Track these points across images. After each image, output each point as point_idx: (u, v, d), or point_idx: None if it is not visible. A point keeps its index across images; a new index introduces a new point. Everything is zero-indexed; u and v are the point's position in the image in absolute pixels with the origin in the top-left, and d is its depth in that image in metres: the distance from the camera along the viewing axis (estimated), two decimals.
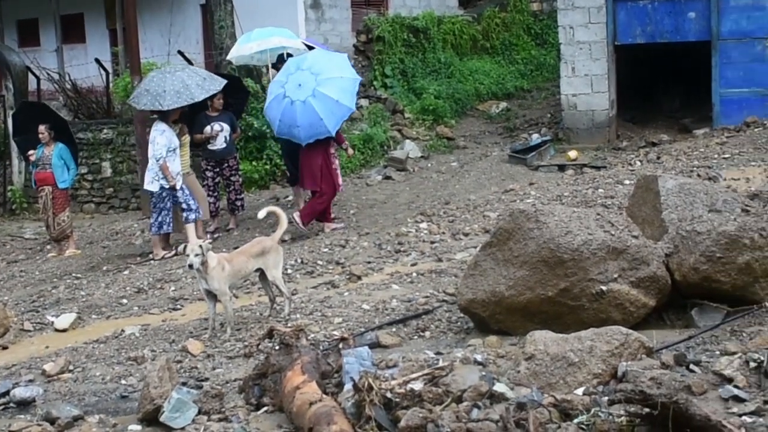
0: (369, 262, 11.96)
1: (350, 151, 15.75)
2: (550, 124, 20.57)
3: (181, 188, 14.09)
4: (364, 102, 20.86)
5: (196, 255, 9.28)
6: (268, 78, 15.82)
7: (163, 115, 14.15)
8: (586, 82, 19.04)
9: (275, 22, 17.63)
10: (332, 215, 14.67)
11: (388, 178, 17.91)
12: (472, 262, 8.55)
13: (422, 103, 21.46)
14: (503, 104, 23.07)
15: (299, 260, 12.48)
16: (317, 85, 13.84)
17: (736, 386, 5.45)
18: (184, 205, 14.10)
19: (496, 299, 8.13)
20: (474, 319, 8.50)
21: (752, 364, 5.57)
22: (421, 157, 19.47)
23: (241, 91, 15.71)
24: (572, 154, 18.03)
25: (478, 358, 6.88)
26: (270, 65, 15.57)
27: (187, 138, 14.71)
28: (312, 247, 13.19)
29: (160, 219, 14.16)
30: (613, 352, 6.11)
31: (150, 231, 14.62)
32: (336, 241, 13.39)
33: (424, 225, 13.70)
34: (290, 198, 16.23)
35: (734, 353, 5.82)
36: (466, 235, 12.74)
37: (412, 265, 11.54)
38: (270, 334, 7.63)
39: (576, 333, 6.38)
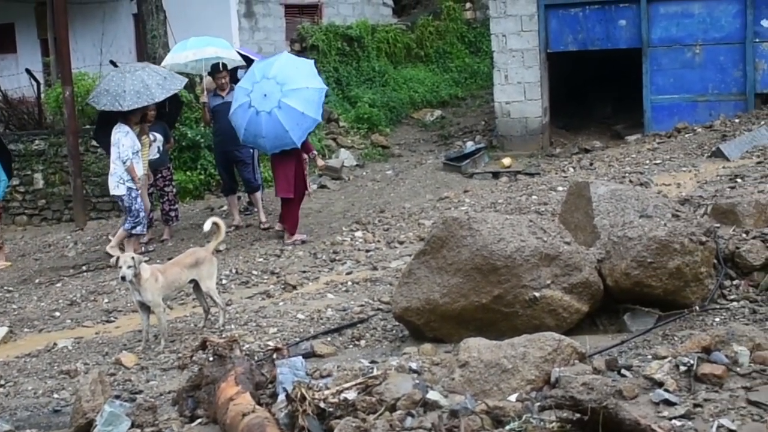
0: (304, 272, 11.94)
1: (320, 162, 15.58)
2: (485, 132, 20.67)
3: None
4: None
5: (129, 267, 9.21)
6: (201, 87, 15.71)
7: (125, 117, 13.91)
8: (519, 89, 19.18)
9: (208, 31, 17.52)
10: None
11: (323, 187, 17.88)
12: (406, 271, 8.57)
13: (357, 111, 21.46)
14: (438, 112, 23.15)
15: (234, 270, 12.43)
16: (282, 96, 13.54)
17: (666, 390, 5.49)
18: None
19: (430, 307, 8.15)
20: (409, 327, 8.51)
21: (682, 368, 5.62)
22: (356, 165, 19.47)
23: (174, 100, 15.56)
24: (506, 161, 18.15)
25: (413, 366, 6.87)
26: (205, 74, 15.45)
27: (146, 139, 14.52)
28: (247, 258, 13.13)
29: (136, 219, 13.91)
30: (546, 358, 6.13)
31: (122, 227, 14.24)
32: (271, 250, 13.35)
33: (359, 233, 13.71)
34: (225, 208, 16.13)
35: (665, 357, 5.86)
36: (401, 243, 12.76)
37: (348, 273, 11.53)
38: (203, 346, 7.55)
39: (509, 340, 6.39)
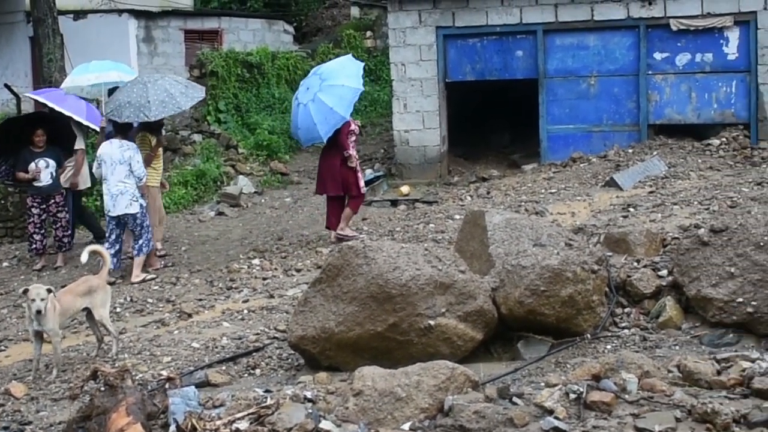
0: (200, 300, 11.83)
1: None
2: (384, 160, 20.76)
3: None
4: (197, 137, 20.69)
5: (42, 299, 9.03)
6: (100, 111, 15.45)
7: (124, 132, 13.61)
8: (418, 118, 19.31)
9: (106, 55, 17.35)
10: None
11: (221, 214, 17.75)
12: (302, 299, 8.55)
13: (256, 138, 21.36)
14: None
15: (129, 298, 12.26)
16: (319, 90, 14.04)
17: (556, 417, 5.55)
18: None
19: (326, 335, 8.13)
20: (304, 355, 8.48)
21: (572, 396, 5.69)
22: (255, 192, 19.36)
23: (67, 124, 15.23)
24: (404, 189, 18.22)
25: (308, 395, 6.83)
26: (104, 99, 15.14)
27: (160, 152, 14.38)
28: (142, 285, 12.96)
29: (149, 235, 13.57)
30: (440, 386, 6.15)
31: (138, 254, 13.57)
32: (167, 278, 13.20)
33: (256, 261, 13.63)
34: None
35: (555, 385, 5.93)
36: (299, 271, 12.71)
37: (244, 302, 11.45)
38: (94, 376, 7.42)
39: (404, 368, 6.41)
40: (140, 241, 13.45)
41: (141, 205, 13.43)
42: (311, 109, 13.96)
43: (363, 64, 15.17)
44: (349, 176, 14.27)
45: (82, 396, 7.94)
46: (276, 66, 23.63)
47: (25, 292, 9.23)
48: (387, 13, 20.31)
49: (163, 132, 15.84)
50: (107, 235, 13.70)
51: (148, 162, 13.83)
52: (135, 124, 13.90)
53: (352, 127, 14.36)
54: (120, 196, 13.31)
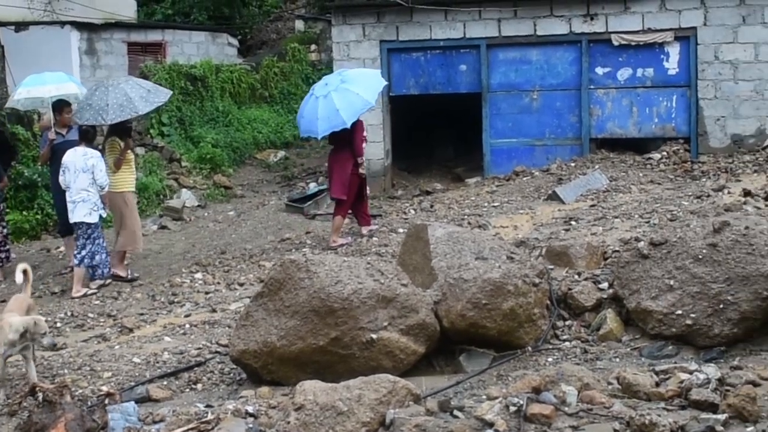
0: (142, 314, 11.73)
1: None
2: (327, 174, 20.71)
3: None
4: (140, 150, 20.55)
5: None
6: (39, 125, 15.23)
7: (88, 140, 13.50)
8: None
9: (48, 67, 17.08)
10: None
11: (163, 227, 17.64)
12: (244, 313, 8.51)
13: (200, 151, 21.29)
14: (281, 153, 23.16)
15: (69, 313, 12.12)
16: (334, 89, 14.40)
17: (496, 430, 5.57)
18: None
19: (267, 350, 8.09)
20: (246, 370, 8.44)
21: (512, 408, 5.70)
22: (198, 206, 19.27)
23: (5, 139, 15.03)
24: None
25: (250, 409, 6.81)
26: (49, 111, 14.88)
27: (130, 155, 14.21)
28: (83, 300, 12.84)
29: (93, 249, 13.34)
30: (381, 400, 6.14)
31: (79, 264, 13.41)
32: (108, 292, 13.08)
33: (199, 275, 13.56)
34: (62, 249, 15.72)
35: (496, 398, 5.95)
36: (242, 284, 12.67)
37: (186, 316, 11.38)
38: (33, 392, 7.37)
39: (345, 382, 6.40)
40: (83, 253, 13.31)
41: (100, 216, 13.34)
42: (320, 104, 14.29)
43: (386, 83, 15.71)
44: (354, 184, 14.72)
45: (21, 412, 7.85)
46: (220, 79, 23.58)
47: None
48: (331, 27, 20.32)
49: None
50: (77, 244, 13.54)
51: (118, 166, 13.81)
52: (104, 131, 13.84)
53: (365, 133, 14.88)
54: (81, 204, 13.22)
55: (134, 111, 13.83)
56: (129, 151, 14.12)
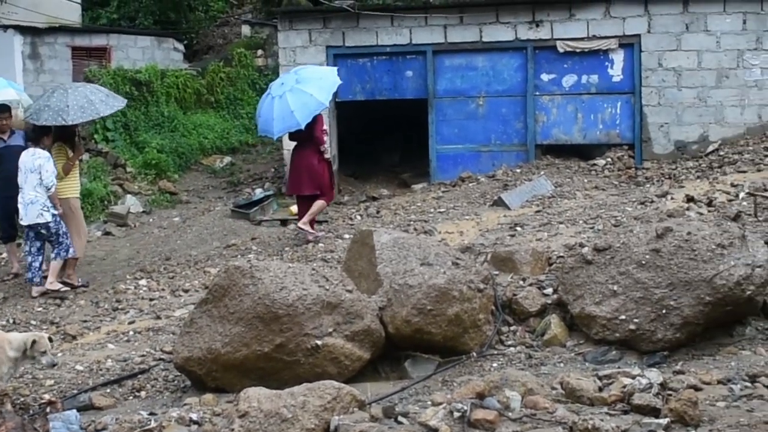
0: (85, 321, 11.62)
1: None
2: (274, 179, 20.66)
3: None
4: (84, 156, 20.34)
5: None
6: None
7: (36, 140, 13.34)
8: None
9: None
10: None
11: (107, 233, 17.46)
12: (188, 320, 8.47)
13: (145, 157, 21.10)
14: (227, 159, 23.02)
15: (11, 320, 11.98)
16: (289, 89, 14.54)
17: None
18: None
19: (212, 356, 8.05)
20: (191, 377, 8.39)
21: (456, 414, 5.71)
22: (143, 212, 19.08)
23: None
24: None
25: (194, 417, 6.77)
26: None
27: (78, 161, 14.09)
28: (25, 307, 12.69)
29: (67, 241, 13.26)
30: (326, 406, 6.13)
31: (56, 257, 13.31)
32: (51, 299, 12.94)
33: (143, 282, 13.46)
34: (4, 255, 15.53)
35: (440, 404, 5.95)
36: (186, 291, 12.59)
37: (130, 323, 11.28)
38: None
39: (290, 389, 6.37)
40: (58, 248, 13.26)
41: (53, 214, 13.17)
42: (275, 104, 14.45)
43: (341, 82, 15.76)
44: (325, 174, 14.91)
45: None
46: (165, 84, 23.38)
47: None
48: (278, 32, 20.27)
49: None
50: (26, 246, 13.41)
51: (66, 171, 13.73)
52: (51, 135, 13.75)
53: (325, 126, 15.11)
54: (31, 206, 13.12)
55: (96, 113, 14.02)
56: (77, 156, 14.05)
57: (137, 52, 26.25)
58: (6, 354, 7.91)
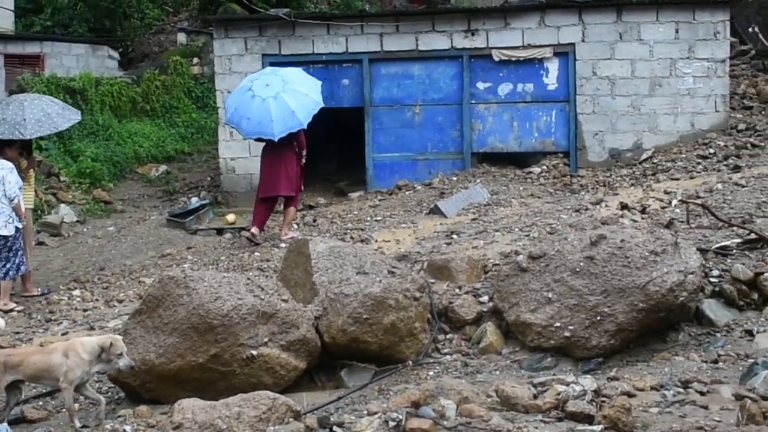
0: (17, 333, 11.43)
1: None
2: (210, 188, 20.55)
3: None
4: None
5: None
6: None
7: (1, 152, 13.10)
8: (244, 146, 19.14)
9: None
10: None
11: (41, 243, 17.19)
12: (122, 331, 8.39)
13: (79, 165, 20.87)
14: (163, 167, 22.83)
15: None
16: (282, 90, 14.67)
17: None
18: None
19: (146, 367, 7.99)
20: (124, 388, 8.32)
21: (392, 423, 5.69)
22: (77, 221, 18.85)
23: None
24: (230, 217, 18.01)
25: (128, 429, 6.73)
26: None
27: (32, 173, 13.86)
28: None
29: (17, 260, 12.88)
30: (261, 417, 6.11)
31: (5, 277, 12.84)
32: None
33: (77, 292, 13.29)
34: None
35: (376, 413, 5.94)
36: (121, 301, 12.45)
37: (63, 334, 11.12)
38: None
39: (224, 399, 6.34)
40: (8, 266, 12.93)
41: (16, 228, 12.91)
42: (271, 106, 14.52)
43: (321, 82, 15.96)
44: (299, 178, 15.17)
45: None
46: (100, 92, 23.18)
47: None
48: (213, 40, 20.16)
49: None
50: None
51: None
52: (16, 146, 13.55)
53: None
54: None
55: (53, 126, 13.83)
56: (30, 168, 13.88)
57: (71, 60, 25.97)
58: (80, 357, 7.63)
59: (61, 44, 26.29)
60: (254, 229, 15.06)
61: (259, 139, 15.32)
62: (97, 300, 12.75)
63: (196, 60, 26.61)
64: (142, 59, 29.69)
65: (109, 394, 8.61)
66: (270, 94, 14.65)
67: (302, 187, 15.77)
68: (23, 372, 7.79)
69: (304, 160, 15.33)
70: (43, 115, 13.59)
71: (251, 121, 14.71)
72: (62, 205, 19.21)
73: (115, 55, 27.80)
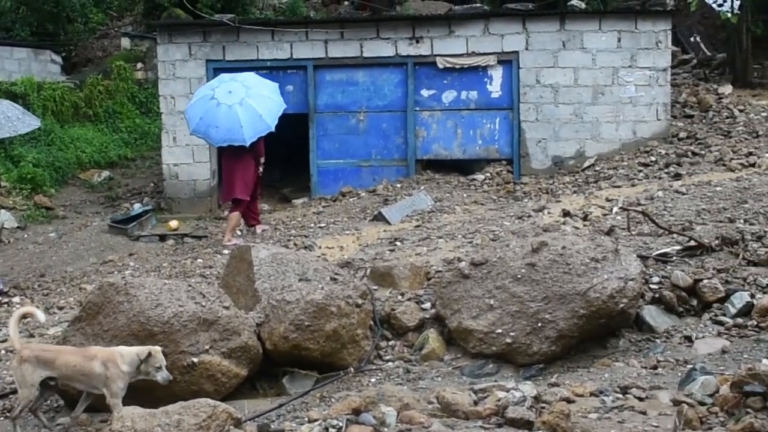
0: None
1: None
2: (153, 194, 20.42)
3: None
4: None
5: None
6: None
7: None
8: (188, 151, 19.09)
9: None
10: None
11: None
12: (61, 338, 8.31)
13: (20, 171, 20.63)
14: (106, 173, 22.65)
15: None
16: (247, 96, 14.75)
17: None
18: None
19: None
20: (64, 396, 8.22)
21: (332, 430, 5.70)
22: (18, 227, 18.63)
23: None
24: (173, 223, 17.90)
25: None
26: None
27: None
28: None
29: None
30: (201, 425, 6.05)
31: None
32: None
33: (16, 299, 13.16)
34: None
35: (316, 420, 5.93)
36: (61, 308, 12.32)
37: (2, 341, 10.99)
38: None
39: (164, 407, 6.28)
40: None
41: None
42: (239, 112, 14.57)
43: (276, 84, 15.97)
44: (255, 182, 15.36)
45: None
46: (42, 97, 22.94)
47: None
48: (157, 45, 20.05)
49: None
50: None
51: None
52: None
53: None
54: None
55: (14, 130, 14.14)
56: None
57: (13, 64, 25.68)
58: (119, 369, 7.44)
59: (2, 48, 25.97)
60: (258, 228, 15.50)
61: (219, 147, 15.36)
62: (37, 307, 12.59)
63: (140, 65, 26.44)
64: (85, 64, 29.42)
65: (49, 402, 8.50)
66: (235, 100, 14.72)
67: (262, 193, 16.03)
68: (58, 371, 7.62)
69: (262, 168, 15.45)
70: (4, 118, 13.80)
71: (220, 129, 14.72)
72: (2, 211, 18.98)
73: (58, 59, 27.53)
